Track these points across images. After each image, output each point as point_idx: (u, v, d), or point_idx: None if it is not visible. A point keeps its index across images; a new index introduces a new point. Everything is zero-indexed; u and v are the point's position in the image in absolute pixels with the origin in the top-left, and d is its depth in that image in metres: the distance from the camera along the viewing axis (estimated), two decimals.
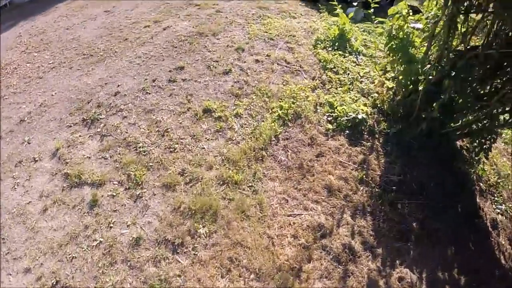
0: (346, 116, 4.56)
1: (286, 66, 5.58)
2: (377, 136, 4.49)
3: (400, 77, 4.64)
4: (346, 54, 6.02)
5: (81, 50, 6.36)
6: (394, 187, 3.99)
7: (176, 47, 5.98)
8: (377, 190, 3.92)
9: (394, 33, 4.49)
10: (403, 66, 4.49)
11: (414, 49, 4.55)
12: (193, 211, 3.46)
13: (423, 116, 4.32)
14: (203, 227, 3.37)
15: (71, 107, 4.93)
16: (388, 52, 4.64)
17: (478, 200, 4.41)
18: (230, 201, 3.58)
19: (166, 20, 6.95)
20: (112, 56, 5.98)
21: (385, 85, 4.68)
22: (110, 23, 7.16)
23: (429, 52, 4.48)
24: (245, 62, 5.60)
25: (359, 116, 4.52)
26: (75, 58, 6.15)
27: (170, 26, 6.65)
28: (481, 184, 4.62)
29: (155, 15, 7.20)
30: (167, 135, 4.32)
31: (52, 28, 7.60)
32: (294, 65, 5.60)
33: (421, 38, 4.68)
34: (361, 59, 6.04)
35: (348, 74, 5.49)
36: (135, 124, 4.49)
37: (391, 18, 4.58)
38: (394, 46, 4.48)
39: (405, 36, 4.47)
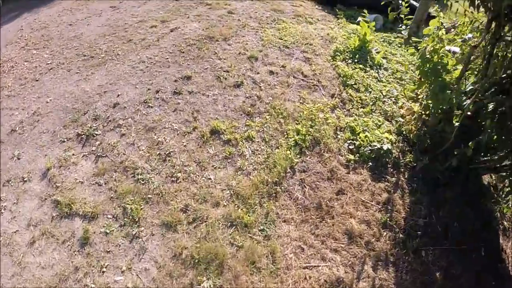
0: (370, 146, 4.13)
1: (302, 79, 5.13)
2: (402, 169, 4.07)
3: (430, 102, 4.20)
4: (367, 68, 5.57)
5: (81, 50, 5.89)
6: (419, 232, 3.61)
7: (183, 52, 5.50)
8: (401, 236, 3.53)
9: (427, 55, 4.03)
10: (434, 92, 4.04)
11: (446, 73, 4.10)
12: (197, 260, 3.02)
13: (455, 152, 3.89)
14: (208, 279, 2.92)
15: (66, 118, 4.48)
16: (419, 75, 4.18)
17: (501, 240, 4.08)
18: (238, 249, 3.13)
19: (174, 20, 6.45)
20: (114, 59, 5.51)
21: (415, 114, 4.23)
22: (114, 21, 6.66)
23: (462, 78, 4.05)
24: (258, 73, 5.14)
25: (384, 147, 4.09)
26: (74, 59, 5.68)
27: (178, 27, 6.16)
28: (505, 222, 4.29)
29: (163, 14, 6.70)
30: (169, 160, 3.86)
31: (55, 23, 7.11)
32: (311, 79, 5.15)
33: (453, 60, 4.22)
34: (383, 74, 5.59)
35: (370, 92, 5.05)
36: (134, 145, 4.03)
37: (426, 38, 4.12)
38: (426, 70, 4.03)
39: (439, 60, 4.01)
